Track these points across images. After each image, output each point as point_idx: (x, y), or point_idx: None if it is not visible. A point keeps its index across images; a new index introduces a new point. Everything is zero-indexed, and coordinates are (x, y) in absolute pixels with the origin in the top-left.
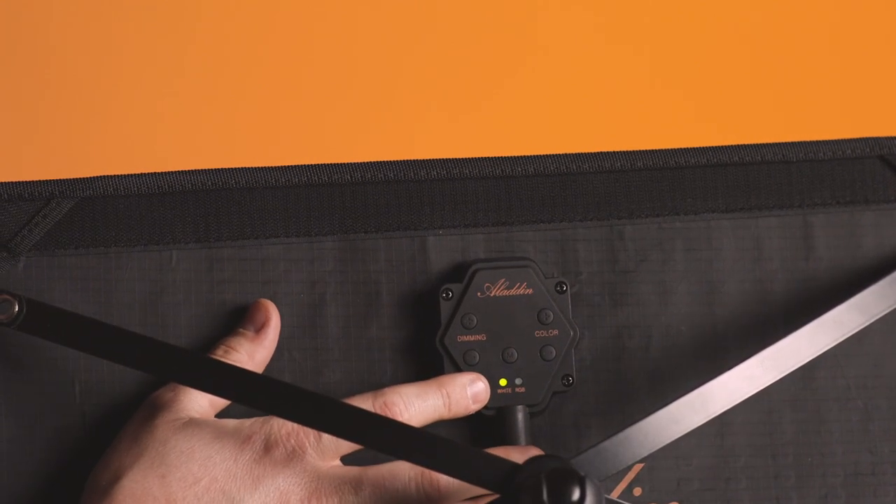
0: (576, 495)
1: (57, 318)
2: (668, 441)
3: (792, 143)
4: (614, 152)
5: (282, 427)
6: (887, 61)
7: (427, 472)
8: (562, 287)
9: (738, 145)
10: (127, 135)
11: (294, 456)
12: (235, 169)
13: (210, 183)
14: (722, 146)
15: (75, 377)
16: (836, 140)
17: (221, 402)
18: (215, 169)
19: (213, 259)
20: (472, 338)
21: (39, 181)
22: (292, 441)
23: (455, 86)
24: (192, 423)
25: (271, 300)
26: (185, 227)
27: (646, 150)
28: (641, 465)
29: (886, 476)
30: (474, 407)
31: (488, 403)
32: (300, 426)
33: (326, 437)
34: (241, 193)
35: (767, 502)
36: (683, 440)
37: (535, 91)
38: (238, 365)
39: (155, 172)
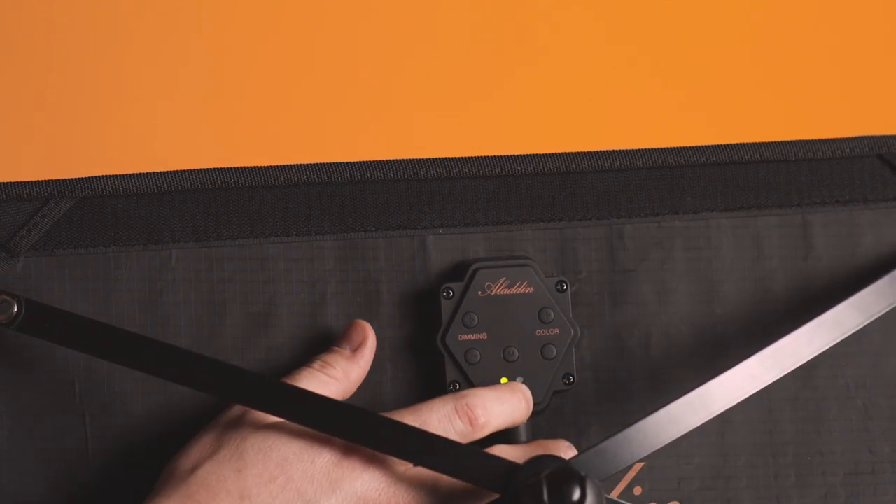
0: (576, 495)
1: (56, 319)
2: (668, 441)
3: (790, 141)
4: (613, 151)
5: None
6: (886, 60)
7: None
8: (562, 286)
9: (736, 144)
10: (125, 134)
11: (373, 460)
12: (235, 168)
13: (209, 182)
14: (721, 145)
15: (76, 377)
16: (834, 139)
17: None
18: (214, 168)
19: (213, 258)
20: (474, 337)
21: (38, 181)
22: None
23: (454, 85)
24: (275, 425)
25: (271, 300)
26: (185, 226)
27: (645, 150)
28: (642, 464)
29: (886, 475)
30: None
31: None
32: None
33: None
34: (241, 192)
35: (768, 501)
36: (684, 439)
37: (535, 90)
38: (333, 381)
39: (154, 172)
